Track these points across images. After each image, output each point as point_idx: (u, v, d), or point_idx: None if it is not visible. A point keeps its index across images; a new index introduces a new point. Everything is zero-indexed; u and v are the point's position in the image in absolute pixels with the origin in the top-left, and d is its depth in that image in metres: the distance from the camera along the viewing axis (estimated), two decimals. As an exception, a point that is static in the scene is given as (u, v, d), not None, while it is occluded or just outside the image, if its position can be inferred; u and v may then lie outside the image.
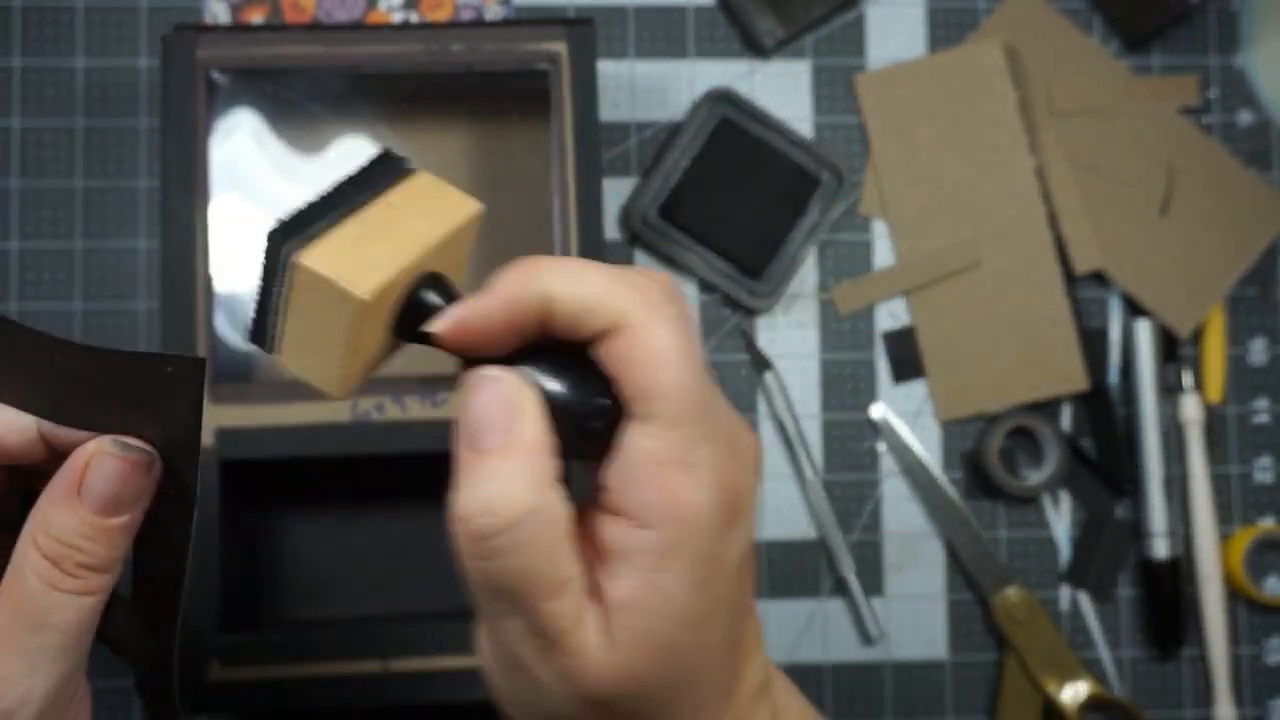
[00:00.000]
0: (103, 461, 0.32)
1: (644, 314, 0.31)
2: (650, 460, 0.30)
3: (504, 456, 0.30)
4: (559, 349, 0.32)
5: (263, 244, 0.32)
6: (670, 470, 0.30)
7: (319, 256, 0.31)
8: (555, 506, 0.30)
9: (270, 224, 0.32)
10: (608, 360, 0.31)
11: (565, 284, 0.31)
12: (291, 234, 0.32)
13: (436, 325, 0.32)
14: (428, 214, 0.34)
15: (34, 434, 0.34)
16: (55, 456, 0.34)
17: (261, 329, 0.33)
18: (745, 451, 0.33)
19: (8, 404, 0.33)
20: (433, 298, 0.33)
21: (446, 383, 0.57)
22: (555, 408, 0.32)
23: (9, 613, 0.31)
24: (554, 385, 0.32)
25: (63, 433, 0.33)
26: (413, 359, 0.62)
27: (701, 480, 0.31)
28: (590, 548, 0.32)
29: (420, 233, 0.33)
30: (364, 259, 0.32)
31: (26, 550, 0.32)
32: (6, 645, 0.31)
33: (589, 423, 0.32)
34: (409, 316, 0.34)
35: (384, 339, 0.34)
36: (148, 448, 0.33)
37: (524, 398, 0.31)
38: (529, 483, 0.30)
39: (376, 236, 0.33)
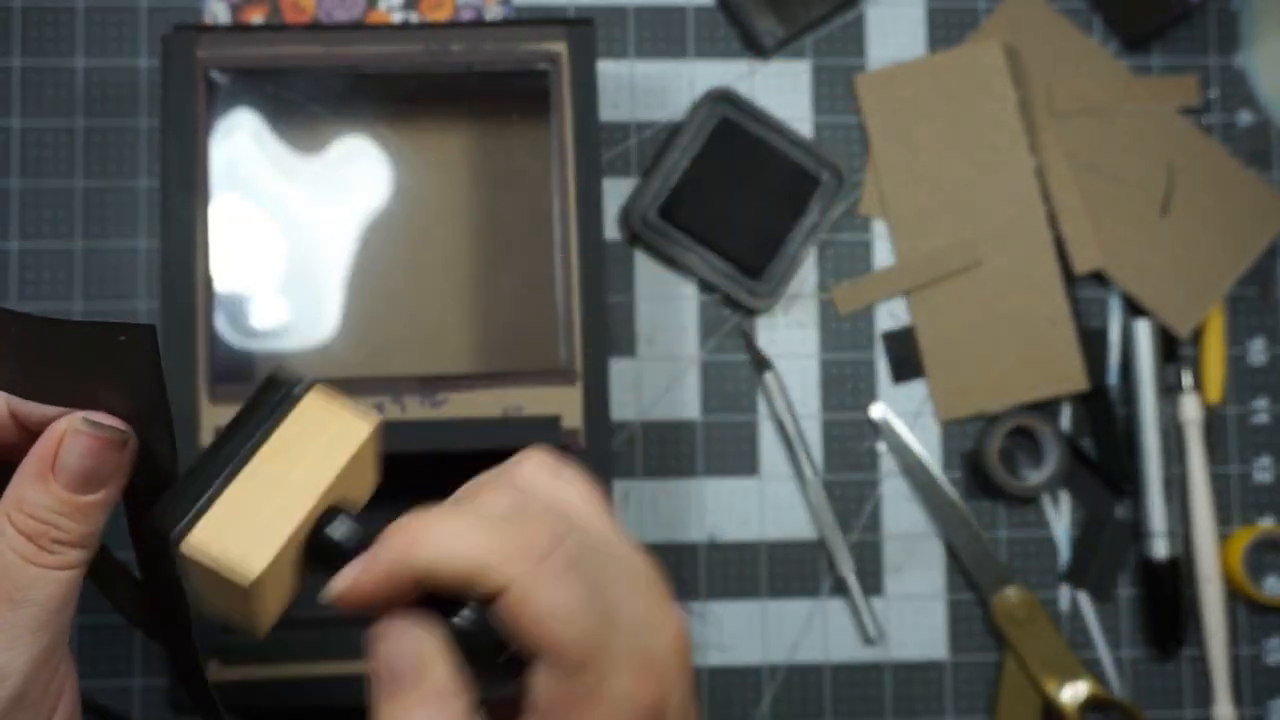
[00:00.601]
0: (75, 439, 0.32)
1: (527, 574, 0.31)
2: (558, 706, 0.31)
3: (418, 702, 0.31)
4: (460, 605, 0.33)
5: (151, 523, 0.32)
6: (580, 711, 0.31)
7: (204, 536, 0.32)
8: None
9: (159, 502, 0.33)
10: (500, 618, 0.32)
11: (441, 553, 0.31)
12: (179, 510, 0.32)
13: (329, 596, 0.33)
14: (318, 450, 0.33)
15: (3, 411, 0.33)
16: (28, 436, 0.34)
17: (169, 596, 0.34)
18: (663, 654, 0.33)
19: None
20: (333, 542, 0.33)
21: (446, 383, 0.57)
22: (465, 646, 0.32)
23: None
24: (462, 624, 0.32)
25: (33, 410, 0.33)
26: (413, 359, 0.62)
27: (616, 714, 0.31)
28: None
29: (312, 478, 0.33)
30: (252, 528, 0.32)
31: (2, 527, 0.32)
32: None
33: (499, 659, 0.32)
34: (314, 556, 0.34)
35: (295, 579, 0.34)
36: (121, 425, 0.33)
37: (428, 643, 0.32)
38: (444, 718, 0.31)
39: (267, 494, 0.32)
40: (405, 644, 0.32)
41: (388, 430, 0.56)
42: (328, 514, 0.34)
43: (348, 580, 0.32)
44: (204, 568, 0.32)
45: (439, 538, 0.32)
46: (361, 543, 0.33)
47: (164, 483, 0.34)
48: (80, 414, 0.32)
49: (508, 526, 0.32)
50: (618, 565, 0.33)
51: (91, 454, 0.32)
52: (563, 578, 0.31)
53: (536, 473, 0.35)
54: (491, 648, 0.32)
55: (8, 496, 0.32)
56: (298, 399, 0.34)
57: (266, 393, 0.34)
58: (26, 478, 0.32)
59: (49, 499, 0.32)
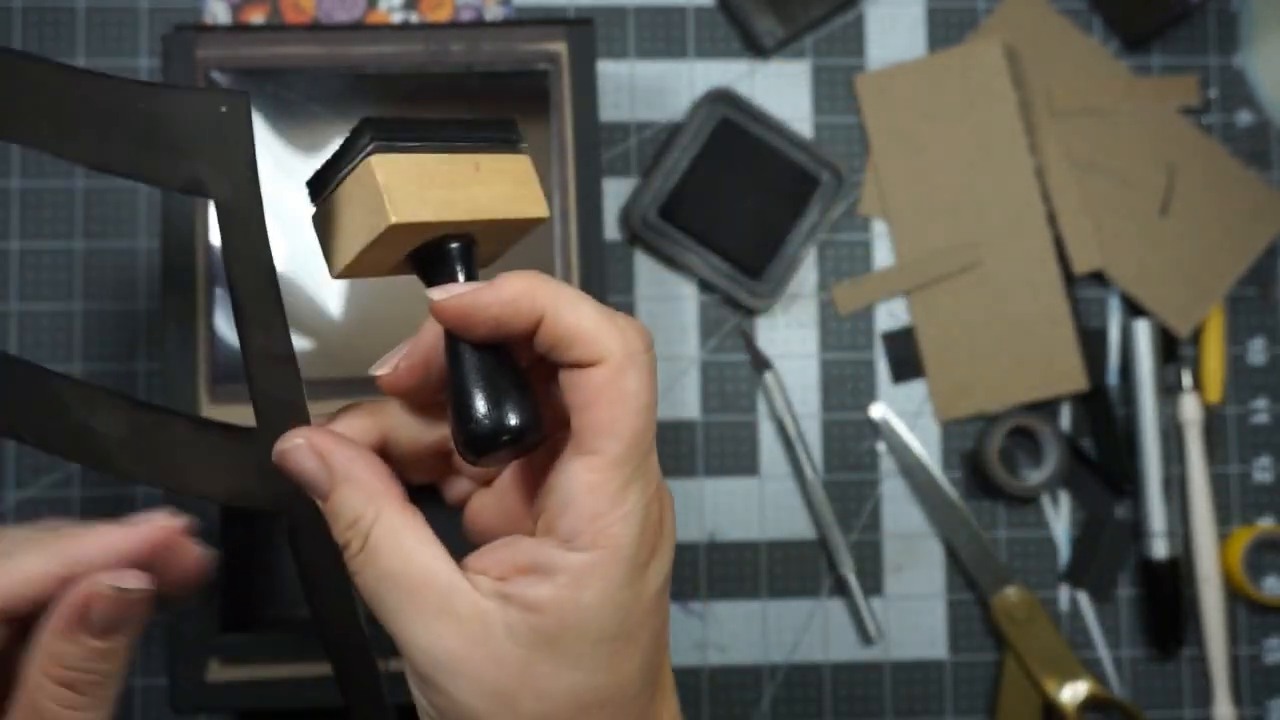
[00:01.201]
0: (101, 602, 0.34)
1: (623, 356, 0.34)
2: (588, 491, 0.33)
3: (341, 486, 0.35)
4: (507, 358, 0.35)
5: (358, 126, 0.35)
6: (604, 503, 0.33)
7: (388, 167, 0.35)
8: (399, 518, 0.34)
9: (376, 116, 0.35)
10: (576, 388, 0.34)
11: (562, 307, 0.34)
12: (383, 135, 0.35)
13: (437, 294, 0.35)
14: (502, 191, 0.36)
15: (54, 586, 0.35)
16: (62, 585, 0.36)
17: (317, 184, 0.37)
18: (668, 504, 0.36)
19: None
20: (452, 257, 0.36)
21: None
22: (458, 414, 0.34)
23: None
24: (473, 388, 0.34)
25: (80, 572, 0.35)
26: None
27: (631, 517, 0.33)
28: (515, 566, 0.34)
29: (484, 202, 0.36)
30: (422, 191, 0.35)
31: (41, 682, 0.34)
32: None
33: (496, 436, 0.34)
34: (425, 259, 0.36)
35: (398, 260, 0.36)
36: (143, 585, 0.35)
37: (327, 441, 0.35)
38: (373, 500, 0.34)
39: (447, 182, 0.35)
40: (308, 453, 0.35)
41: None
42: (460, 238, 0.36)
43: (466, 289, 0.34)
44: (370, 186, 0.34)
45: (562, 292, 0.34)
46: (469, 268, 0.36)
47: (267, 283, 0.36)
48: (106, 576, 0.34)
49: (616, 317, 0.35)
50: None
51: (116, 611, 0.34)
52: (647, 374, 0.34)
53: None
54: (493, 421, 0.34)
55: (44, 652, 0.34)
56: (519, 149, 0.37)
57: (497, 126, 0.37)
58: (56, 635, 0.34)
59: (80, 650, 0.34)
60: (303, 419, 0.36)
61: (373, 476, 0.35)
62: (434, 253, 0.36)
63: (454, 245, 0.36)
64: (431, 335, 0.37)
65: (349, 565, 0.35)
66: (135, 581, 0.35)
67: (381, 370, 0.37)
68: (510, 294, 0.34)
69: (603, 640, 0.33)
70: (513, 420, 0.34)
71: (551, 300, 0.34)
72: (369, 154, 0.35)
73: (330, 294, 0.63)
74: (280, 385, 0.36)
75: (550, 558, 0.33)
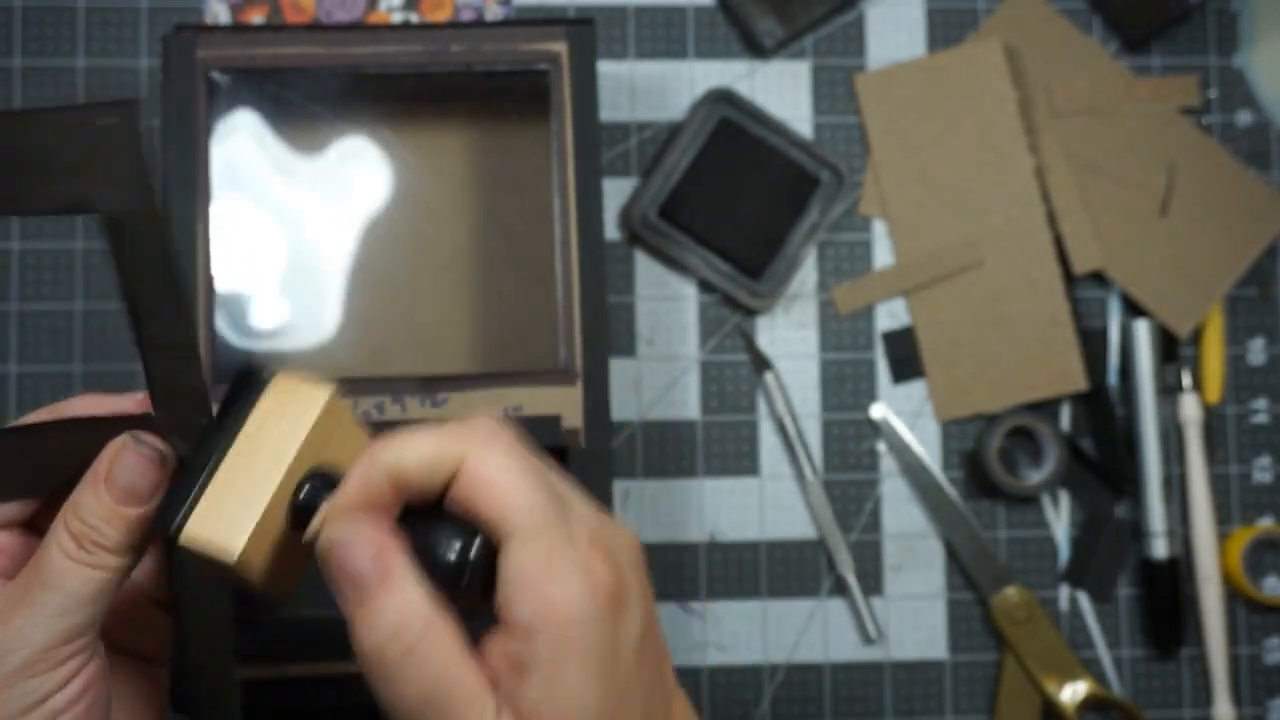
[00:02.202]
0: (125, 455, 0.36)
1: (476, 449, 0.34)
2: (519, 576, 0.33)
3: (390, 592, 0.34)
4: (429, 511, 0.35)
5: (156, 528, 0.36)
6: (539, 579, 0.33)
7: (194, 527, 0.35)
8: (448, 629, 0.34)
9: (160, 505, 0.37)
10: (460, 502, 0.34)
11: (403, 451, 0.35)
12: (173, 509, 0.36)
13: (309, 531, 0.35)
14: (285, 426, 0.36)
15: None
16: None
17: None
18: (619, 548, 0.35)
19: None
20: (313, 496, 0.36)
21: (446, 383, 0.57)
22: (428, 565, 0.34)
23: (30, 574, 0.36)
24: (421, 542, 0.34)
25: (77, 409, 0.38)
26: (413, 359, 0.62)
27: (569, 582, 0.33)
28: (502, 664, 0.34)
29: (280, 451, 0.36)
30: (233, 510, 0.35)
31: (57, 525, 0.37)
32: (20, 599, 0.36)
33: (457, 571, 0.34)
34: (299, 522, 0.36)
35: (298, 547, 0.36)
36: (161, 445, 0.37)
37: (383, 536, 0.34)
38: (418, 607, 0.34)
39: (244, 476, 0.36)
40: (362, 545, 0.34)
41: (388, 430, 0.56)
42: (305, 480, 0.36)
43: (325, 507, 0.35)
44: (199, 556, 0.35)
45: (398, 441, 0.35)
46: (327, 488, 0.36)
47: (164, 283, 0.35)
48: (128, 433, 0.37)
49: (453, 425, 0.35)
50: (564, 483, 0.37)
51: (136, 468, 0.36)
52: (510, 451, 0.35)
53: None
54: (455, 565, 0.34)
55: (69, 501, 0.37)
56: (265, 384, 0.37)
57: (239, 385, 0.37)
58: (85, 486, 0.37)
59: (98, 505, 0.36)
60: (204, 407, 0.37)
61: (415, 584, 0.34)
62: (303, 513, 0.36)
63: (306, 492, 0.36)
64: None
65: (374, 674, 0.34)
66: (154, 443, 0.37)
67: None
68: (357, 482, 0.34)
69: (608, 709, 0.33)
70: (462, 543, 0.34)
71: (388, 456, 0.34)
72: (175, 539, 0.35)
73: (330, 295, 0.63)
74: (179, 372, 0.37)
75: (520, 652, 0.33)
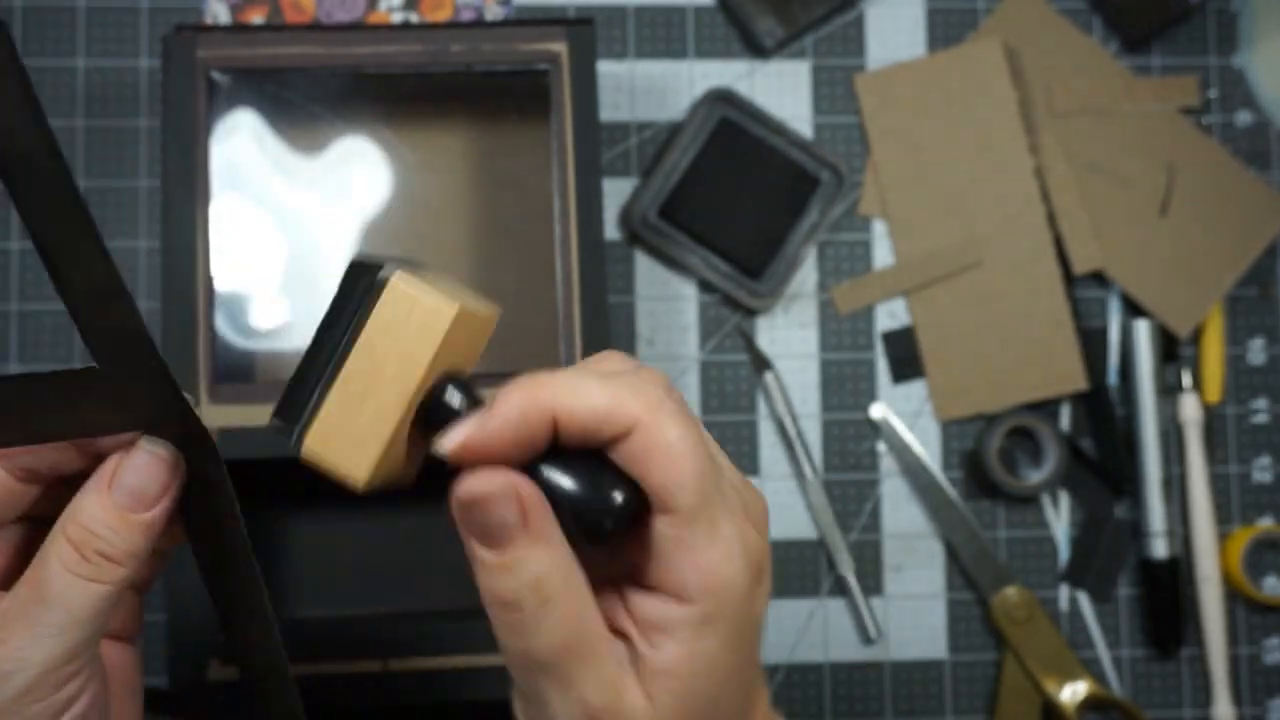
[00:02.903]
0: (134, 455, 0.34)
1: (650, 415, 0.33)
2: (681, 545, 0.33)
3: (532, 543, 0.33)
4: (566, 451, 0.34)
5: (271, 430, 0.35)
6: (701, 550, 0.33)
7: (316, 444, 0.34)
8: (582, 579, 0.33)
9: (276, 407, 0.34)
10: (625, 461, 0.34)
11: (571, 400, 0.33)
12: (291, 416, 0.34)
13: (446, 446, 0.33)
14: (408, 341, 0.34)
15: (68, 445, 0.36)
16: (86, 461, 0.36)
17: (291, 401, 0.35)
18: (757, 514, 0.36)
19: None
20: (449, 402, 0.34)
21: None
22: (566, 509, 0.33)
23: (28, 588, 0.34)
24: (566, 486, 0.34)
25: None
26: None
27: (731, 553, 0.33)
28: (623, 622, 0.34)
29: (405, 371, 0.34)
30: (356, 432, 0.34)
31: (55, 535, 0.34)
32: (18, 617, 0.34)
33: (603, 520, 0.33)
34: (430, 422, 0.34)
35: (416, 448, 0.35)
36: (173, 450, 0.35)
37: (529, 490, 0.33)
38: (559, 562, 0.33)
39: (365, 394, 0.34)
40: (507, 491, 0.32)
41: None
42: (441, 382, 0.34)
43: (471, 428, 0.33)
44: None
45: (565, 385, 0.33)
46: (474, 405, 0.34)
47: (75, 225, 0.32)
48: (141, 435, 0.35)
49: (624, 379, 0.34)
50: (712, 443, 0.36)
51: (145, 470, 0.34)
52: (680, 418, 0.34)
53: (623, 358, 0.37)
54: (600, 509, 0.33)
55: (68, 509, 0.35)
56: (381, 287, 0.34)
57: (353, 280, 0.35)
58: (87, 490, 0.35)
59: (102, 511, 0.34)
60: (151, 350, 0.33)
61: (558, 531, 0.33)
62: (432, 414, 0.34)
63: (441, 394, 0.34)
64: None
65: (507, 623, 0.33)
66: (166, 448, 0.35)
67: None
68: (514, 414, 0.33)
69: (720, 681, 0.34)
70: (612, 500, 0.33)
71: (556, 397, 0.33)
72: (296, 450, 0.33)
73: (330, 295, 0.63)
74: (116, 319, 0.33)
75: (664, 615, 0.33)
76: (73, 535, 0.34)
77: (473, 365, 0.37)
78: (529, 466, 0.34)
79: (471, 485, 0.33)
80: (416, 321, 0.33)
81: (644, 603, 0.34)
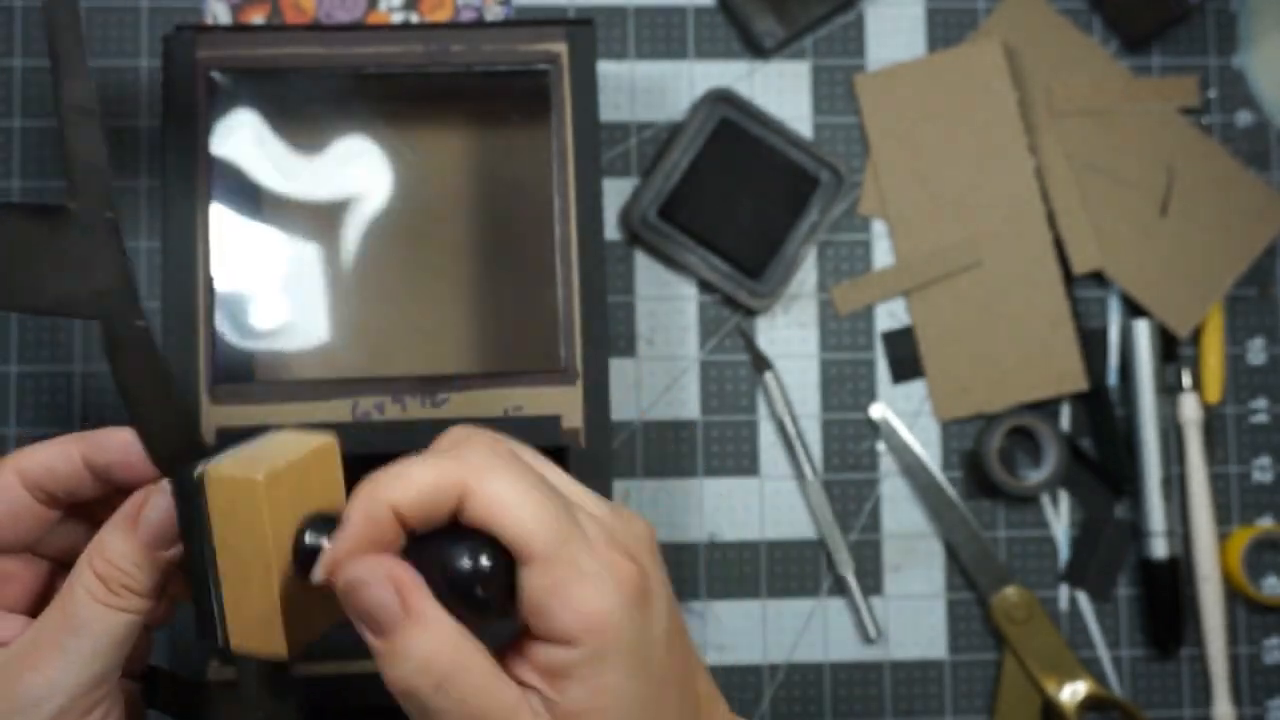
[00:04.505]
0: (159, 498, 0.37)
1: (474, 476, 0.34)
2: (550, 590, 0.34)
3: (414, 626, 0.33)
4: (440, 532, 0.35)
5: (206, 643, 0.37)
6: (569, 592, 0.33)
7: (238, 640, 0.36)
8: (475, 649, 0.34)
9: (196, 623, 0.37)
10: (475, 525, 0.34)
11: (399, 489, 0.34)
12: (208, 631, 0.36)
13: (316, 578, 0.35)
14: (244, 521, 0.35)
15: (78, 462, 0.39)
16: (101, 488, 0.39)
17: (205, 622, 0.37)
18: (633, 538, 0.36)
19: None
20: (310, 545, 0.36)
21: (446, 383, 0.57)
22: (444, 586, 0.34)
23: (55, 619, 0.36)
24: (438, 562, 0.34)
25: (103, 458, 0.38)
26: (413, 359, 0.62)
27: (600, 587, 0.34)
28: (530, 676, 0.35)
29: (257, 548, 0.35)
30: (257, 616, 0.36)
31: (82, 568, 0.37)
32: (48, 646, 0.36)
33: (474, 588, 0.34)
34: (308, 570, 0.35)
35: (319, 608, 0.37)
36: None
37: (402, 572, 0.34)
38: (445, 638, 0.33)
39: (244, 584, 0.35)
40: (385, 583, 0.33)
41: (388, 430, 0.56)
42: (300, 531, 0.36)
43: (329, 550, 0.34)
44: (231, 492, 0.35)
45: (393, 475, 0.34)
46: (323, 530, 0.36)
47: (153, 364, 0.36)
48: (165, 480, 0.36)
49: (450, 452, 0.35)
50: (569, 484, 0.37)
51: (169, 511, 0.36)
52: (507, 471, 0.34)
53: (463, 430, 0.37)
54: (474, 578, 0.34)
55: (94, 542, 0.37)
56: (201, 485, 0.35)
57: (182, 495, 0.36)
58: (113, 527, 0.37)
59: (128, 548, 0.36)
60: (106, 186, 0.35)
61: (439, 610, 0.34)
62: (305, 561, 0.36)
63: (303, 539, 0.36)
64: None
65: (412, 711, 0.34)
66: None
67: None
68: (359, 523, 0.34)
69: (644, 703, 0.34)
70: (476, 559, 0.34)
71: (387, 491, 0.34)
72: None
73: (330, 295, 0.63)
74: (88, 145, 0.35)
75: (561, 660, 0.34)
76: (99, 569, 0.36)
77: (339, 489, 0.38)
78: (405, 551, 0.35)
79: (348, 571, 0.34)
80: (239, 500, 0.35)
81: (542, 652, 0.34)
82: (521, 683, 0.34)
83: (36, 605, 0.40)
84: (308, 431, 0.38)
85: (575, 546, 0.34)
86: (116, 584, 0.36)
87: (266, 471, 0.35)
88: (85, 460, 0.39)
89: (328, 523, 0.36)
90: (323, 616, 0.37)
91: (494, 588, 0.34)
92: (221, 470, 0.35)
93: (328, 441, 0.37)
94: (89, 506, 0.41)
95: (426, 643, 0.33)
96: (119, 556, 0.36)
